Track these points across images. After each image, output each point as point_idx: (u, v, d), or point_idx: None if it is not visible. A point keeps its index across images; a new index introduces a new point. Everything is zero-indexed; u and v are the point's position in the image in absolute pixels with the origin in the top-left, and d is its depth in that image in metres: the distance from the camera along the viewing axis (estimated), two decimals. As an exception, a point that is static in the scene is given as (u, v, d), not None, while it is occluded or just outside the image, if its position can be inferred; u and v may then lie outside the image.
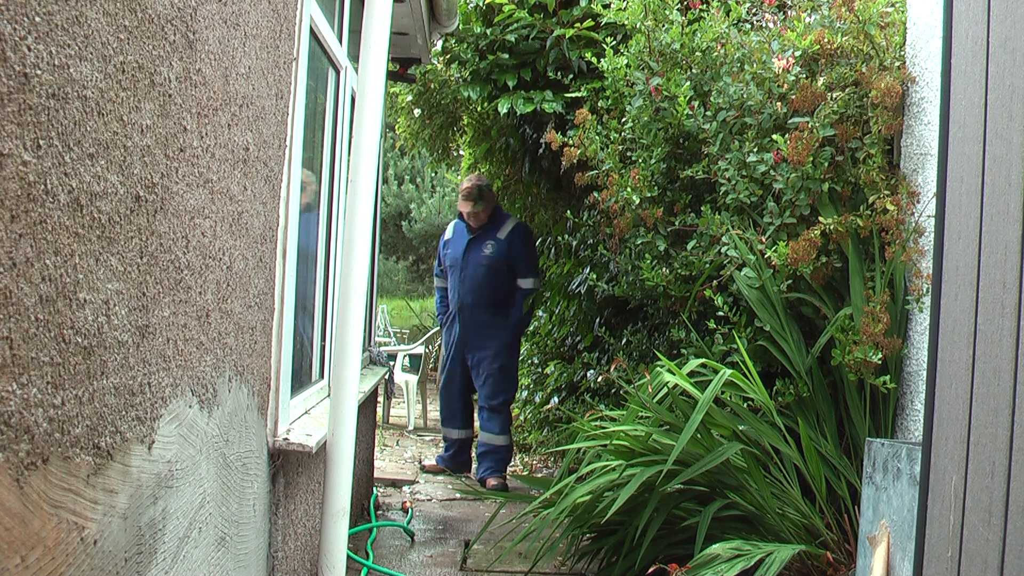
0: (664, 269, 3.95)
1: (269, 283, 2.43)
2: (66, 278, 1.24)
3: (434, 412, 8.77)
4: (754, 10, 4.56)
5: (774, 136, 3.53)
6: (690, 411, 3.25)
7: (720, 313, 3.64)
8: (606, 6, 4.39)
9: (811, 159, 3.46)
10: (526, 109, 5.16)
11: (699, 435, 3.25)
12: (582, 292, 5.75)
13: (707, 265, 3.78)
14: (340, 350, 2.81)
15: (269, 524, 2.55)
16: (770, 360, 3.63)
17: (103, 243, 1.35)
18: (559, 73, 5.10)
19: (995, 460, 1.76)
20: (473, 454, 6.07)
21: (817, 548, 3.19)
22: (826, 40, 3.60)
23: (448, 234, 5.99)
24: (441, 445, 6.19)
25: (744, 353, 3.40)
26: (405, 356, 8.49)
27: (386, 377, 5.43)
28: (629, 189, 4.01)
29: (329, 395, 2.94)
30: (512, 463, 6.00)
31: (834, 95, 3.50)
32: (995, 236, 1.82)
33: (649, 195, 4.01)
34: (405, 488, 5.55)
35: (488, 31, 5.42)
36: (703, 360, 3.52)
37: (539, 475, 5.84)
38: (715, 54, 3.97)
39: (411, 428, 7.93)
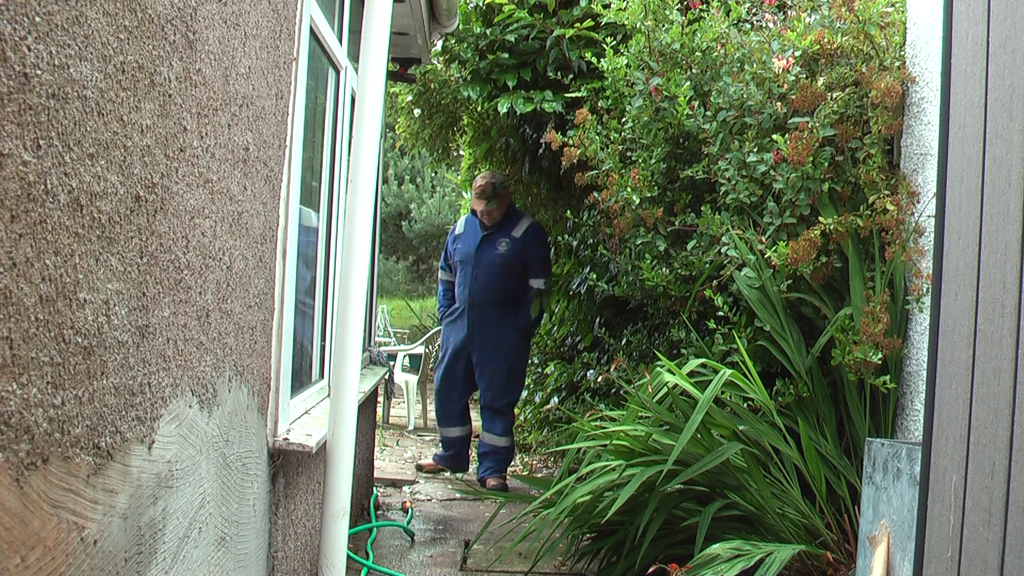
0: (664, 269, 3.95)
1: (269, 283, 2.43)
2: (66, 278, 1.24)
3: (434, 412, 8.76)
4: (754, 10, 4.56)
5: (774, 136, 3.53)
6: (690, 411, 3.25)
7: (720, 313, 3.64)
8: (606, 6, 4.39)
9: (811, 159, 3.46)
10: (526, 109, 5.16)
11: (699, 435, 3.25)
12: (582, 292, 5.75)
13: (707, 265, 3.78)
14: (340, 350, 2.81)
15: (269, 524, 2.55)
16: (770, 360, 3.63)
17: (103, 243, 1.35)
18: (559, 73, 5.10)
19: (995, 460, 1.76)
20: (473, 454, 6.06)
21: (817, 548, 3.19)
22: (826, 40, 3.60)
23: (459, 228, 5.87)
24: (438, 444, 6.08)
25: (744, 353, 3.40)
26: (405, 356, 8.49)
27: (386, 377, 5.43)
28: (629, 189, 4.01)
29: (329, 395, 2.94)
30: (512, 463, 5.98)
31: (834, 95, 3.50)
32: (995, 236, 1.82)
33: (649, 195, 4.01)
34: (405, 488, 5.55)
35: (488, 31, 5.42)
36: (703, 360, 3.52)
37: (539, 475, 5.84)
38: (715, 54, 3.97)
39: (411, 428, 7.93)
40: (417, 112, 7.08)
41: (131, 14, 1.40)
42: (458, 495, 5.33)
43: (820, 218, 3.46)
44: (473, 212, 5.75)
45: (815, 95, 3.54)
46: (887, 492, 2.74)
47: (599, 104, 4.58)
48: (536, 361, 7.10)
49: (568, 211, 5.27)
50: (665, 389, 3.41)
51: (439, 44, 6.04)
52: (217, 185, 1.89)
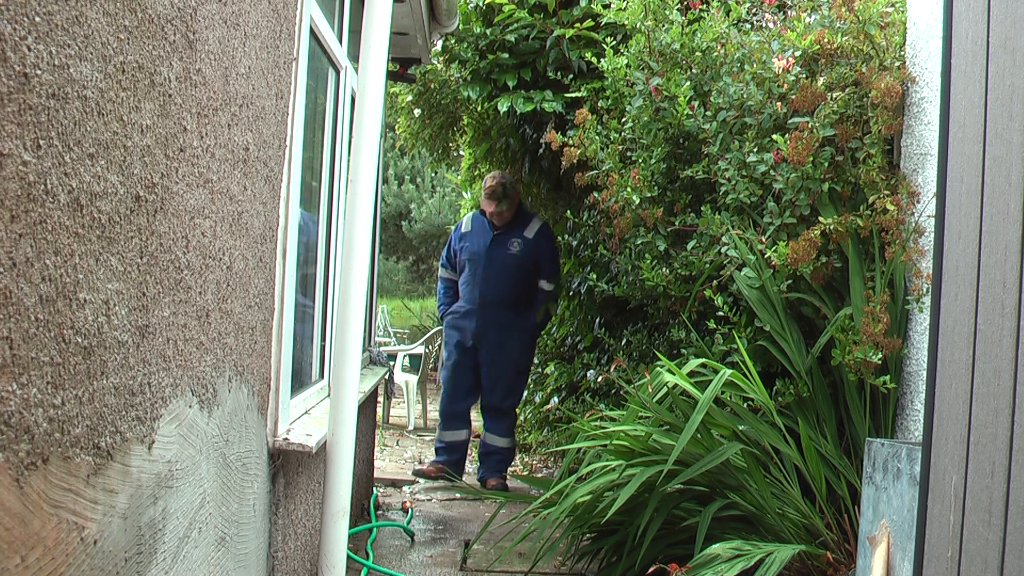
0: (664, 269, 3.95)
1: (269, 283, 2.43)
2: (66, 278, 1.24)
3: (434, 412, 8.76)
4: (754, 10, 4.56)
5: (774, 136, 3.53)
6: (690, 411, 3.25)
7: (720, 313, 3.64)
8: (606, 6, 4.39)
9: (811, 159, 3.46)
10: (526, 108, 5.16)
11: (699, 435, 3.25)
12: (582, 292, 5.74)
13: (707, 265, 3.78)
14: (340, 350, 2.81)
15: (269, 524, 2.55)
16: (770, 360, 3.63)
17: (103, 243, 1.35)
18: (559, 73, 5.10)
19: (995, 460, 1.76)
20: (473, 454, 6.05)
21: (817, 548, 3.19)
22: (826, 40, 3.60)
23: (465, 226, 5.74)
24: (436, 450, 5.76)
25: (744, 353, 3.40)
26: (405, 356, 8.49)
27: (386, 377, 5.42)
28: (629, 189, 4.01)
29: (329, 395, 2.94)
30: (512, 463, 5.97)
31: (834, 95, 3.50)
32: (995, 236, 1.82)
33: (649, 195, 4.01)
34: (405, 488, 5.55)
35: (488, 31, 5.42)
36: (703, 360, 3.52)
37: (539, 475, 5.84)
38: (715, 54, 3.97)
39: (411, 428, 7.94)
40: (417, 112, 7.08)
41: (131, 14, 1.40)
42: (458, 495, 5.33)
43: (820, 218, 3.46)
44: (481, 212, 5.67)
45: (815, 95, 3.54)
46: (887, 492, 2.74)
47: (599, 104, 4.58)
48: (536, 361, 7.10)
49: (568, 211, 5.27)
50: (665, 389, 3.41)
51: (439, 44, 6.04)
52: (217, 185, 1.89)
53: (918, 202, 3.34)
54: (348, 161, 3.05)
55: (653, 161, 4.04)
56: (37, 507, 1.19)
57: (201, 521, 1.89)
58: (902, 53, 3.52)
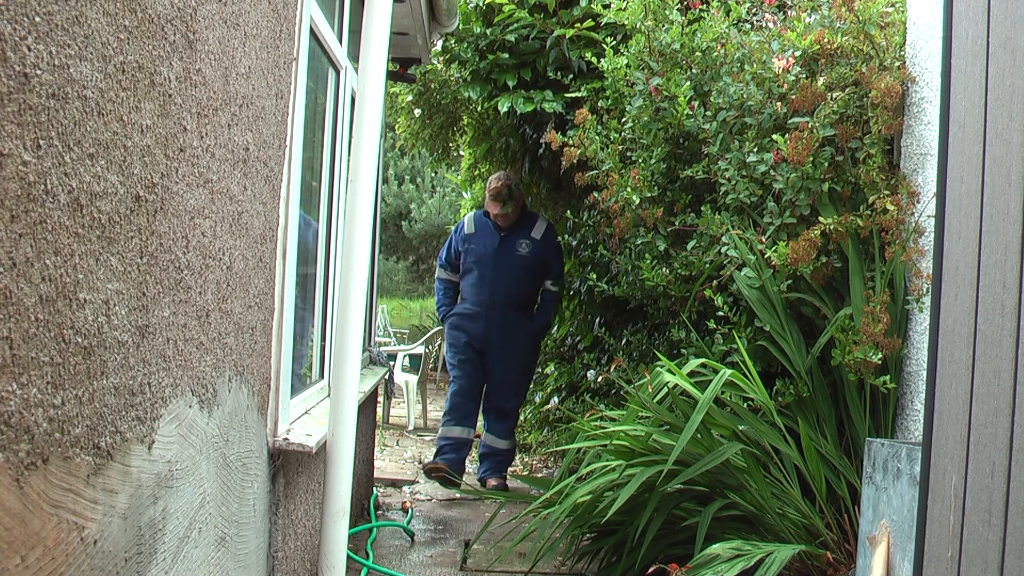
0: (664, 269, 3.95)
1: (269, 283, 2.43)
2: (66, 278, 1.24)
3: (434, 412, 8.77)
4: (754, 10, 4.56)
5: (774, 136, 3.53)
6: (690, 411, 3.25)
7: (720, 313, 3.64)
8: (606, 6, 4.39)
9: (811, 159, 3.46)
10: (526, 108, 5.16)
11: (699, 435, 3.25)
12: (582, 292, 5.74)
13: (707, 265, 3.78)
14: (340, 350, 2.81)
15: (269, 524, 2.55)
16: (770, 360, 3.63)
17: (103, 243, 1.35)
18: (559, 73, 5.10)
19: (995, 460, 1.76)
20: (473, 454, 6.04)
21: (817, 548, 3.19)
22: (826, 40, 3.60)
23: (468, 228, 5.64)
24: (440, 448, 5.61)
25: (744, 353, 3.40)
26: (405, 356, 8.49)
27: (386, 377, 5.42)
28: (629, 189, 4.01)
29: (329, 395, 2.94)
30: (512, 463, 5.97)
31: (834, 95, 3.50)
32: (995, 236, 1.82)
33: (649, 195, 4.01)
34: (405, 488, 5.55)
35: (488, 31, 5.42)
36: (703, 360, 3.52)
37: (539, 475, 5.83)
38: (715, 54, 3.97)
39: (411, 428, 7.93)
40: (417, 112, 7.08)
41: (131, 14, 1.40)
42: (458, 495, 5.32)
43: (820, 218, 3.46)
44: (484, 212, 5.62)
45: (815, 95, 3.54)
46: (887, 492, 2.74)
47: (599, 104, 4.58)
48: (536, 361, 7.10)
49: (568, 211, 5.27)
50: (665, 389, 3.41)
51: (439, 44, 6.04)
52: (217, 185, 1.89)
53: (918, 202, 3.34)
54: (348, 161, 3.05)
55: (653, 161, 4.04)
56: (37, 507, 1.19)
57: (201, 521, 1.89)
58: (902, 53, 3.52)
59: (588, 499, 3.36)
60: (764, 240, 3.55)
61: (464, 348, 5.56)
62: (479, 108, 6.32)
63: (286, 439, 2.58)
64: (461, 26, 5.50)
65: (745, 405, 3.42)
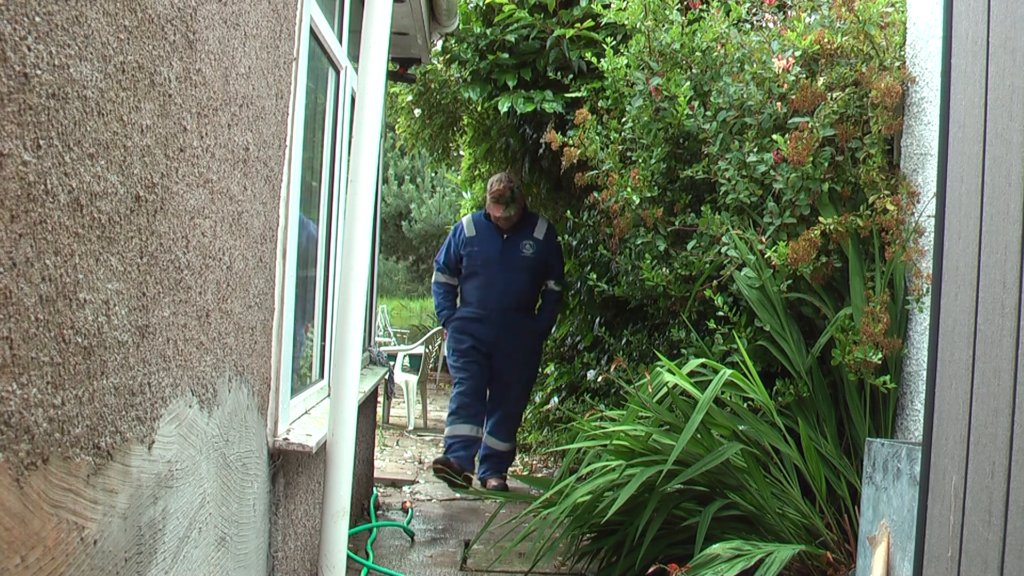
0: (664, 269, 3.95)
1: (269, 283, 2.43)
2: (66, 278, 1.24)
3: (434, 412, 8.77)
4: (754, 10, 4.56)
5: (774, 136, 3.53)
6: (690, 411, 3.25)
7: (720, 313, 3.64)
8: (606, 6, 4.39)
9: (811, 159, 3.46)
10: (526, 108, 5.16)
11: (699, 435, 3.25)
12: (582, 292, 5.74)
13: (707, 265, 3.78)
14: (340, 350, 2.81)
15: (269, 524, 2.55)
16: (770, 360, 3.63)
17: (103, 243, 1.35)
18: (559, 73, 5.10)
19: (995, 460, 1.76)
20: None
21: (817, 548, 3.19)
22: (826, 40, 3.60)
23: (469, 230, 5.58)
24: (447, 447, 5.52)
25: (744, 353, 3.40)
26: (405, 356, 8.49)
27: (386, 377, 5.42)
28: (629, 189, 4.01)
29: (329, 395, 2.94)
30: (512, 463, 5.97)
31: (834, 95, 3.50)
32: (995, 236, 1.82)
33: (649, 195, 4.01)
34: (405, 488, 5.55)
35: (488, 31, 5.42)
36: (703, 360, 3.52)
37: (539, 475, 5.83)
38: (715, 54, 3.97)
39: (411, 428, 7.94)
40: (417, 112, 7.08)
41: (131, 14, 1.40)
42: (458, 495, 5.32)
43: (820, 218, 3.46)
44: (484, 214, 5.58)
45: (815, 95, 3.54)
46: (887, 492, 2.74)
47: (599, 104, 4.58)
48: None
49: (568, 211, 5.27)
50: (665, 389, 3.41)
51: (439, 44, 6.04)
52: (217, 185, 1.89)
53: (918, 202, 3.34)
54: (348, 161, 3.05)
55: (653, 161, 4.04)
56: (37, 507, 1.19)
57: (201, 521, 1.89)
58: (902, 53, 3.52)
59: (588, 499, 3.36)
60: (764, 240, 3.55)
61: (469, 351, 5.52)
62: (479, 108, 6.32)
63: (286, 439, 2.58)
64: (461, 26, 5.50)
65: (745, 405, 3.42)
